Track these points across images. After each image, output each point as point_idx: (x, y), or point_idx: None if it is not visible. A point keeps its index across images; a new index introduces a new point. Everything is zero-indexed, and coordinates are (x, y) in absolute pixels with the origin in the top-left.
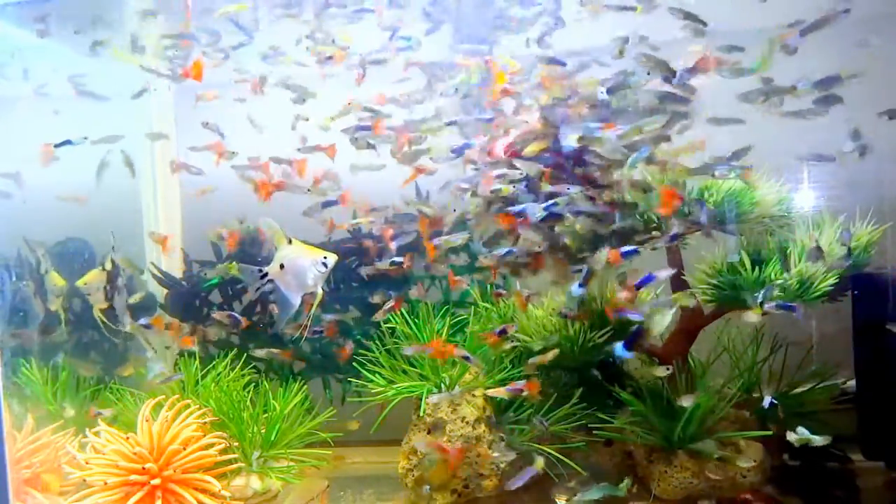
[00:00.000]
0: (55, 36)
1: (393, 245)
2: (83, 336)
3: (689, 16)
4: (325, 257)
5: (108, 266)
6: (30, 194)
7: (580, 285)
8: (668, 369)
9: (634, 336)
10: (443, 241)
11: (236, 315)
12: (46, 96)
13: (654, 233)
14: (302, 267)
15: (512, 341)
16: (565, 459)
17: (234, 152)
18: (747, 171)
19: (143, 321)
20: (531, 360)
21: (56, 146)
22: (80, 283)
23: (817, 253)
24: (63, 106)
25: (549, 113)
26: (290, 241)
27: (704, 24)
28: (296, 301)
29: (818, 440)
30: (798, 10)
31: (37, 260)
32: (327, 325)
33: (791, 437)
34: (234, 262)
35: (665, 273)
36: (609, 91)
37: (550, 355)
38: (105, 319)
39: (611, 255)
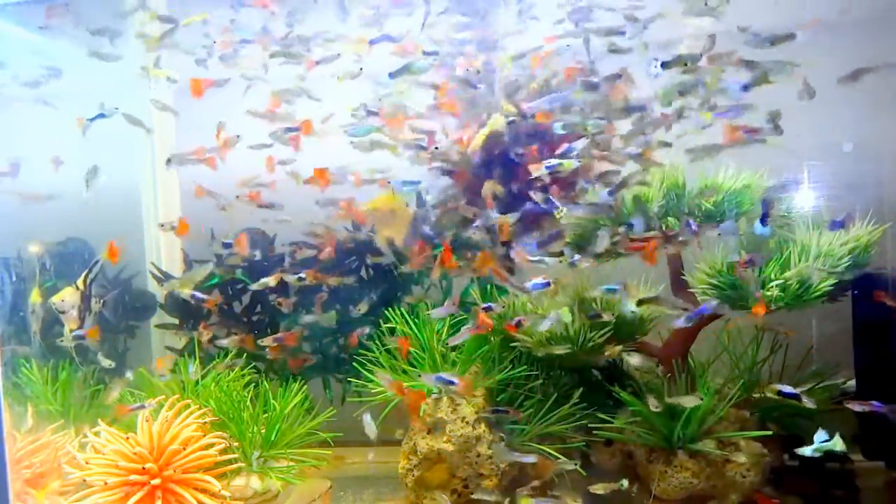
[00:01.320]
0: (52, 34)
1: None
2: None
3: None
4: None
5: (81, 286)
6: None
7: (762, 221)
8: (700, 399)
9: (767, 207)
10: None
11: (199, 295)
12: (44, 94)
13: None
14: None
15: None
16: (565, 459)
17: (237, 136)
18: (646, 150)
19: (77, 333)
20: (607, 353)
21: (90, 120)
22: (54, 299)
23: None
24: (62, 105)
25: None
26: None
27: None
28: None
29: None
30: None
31: (41, 263)
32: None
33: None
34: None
35: None
36: (664, 65)
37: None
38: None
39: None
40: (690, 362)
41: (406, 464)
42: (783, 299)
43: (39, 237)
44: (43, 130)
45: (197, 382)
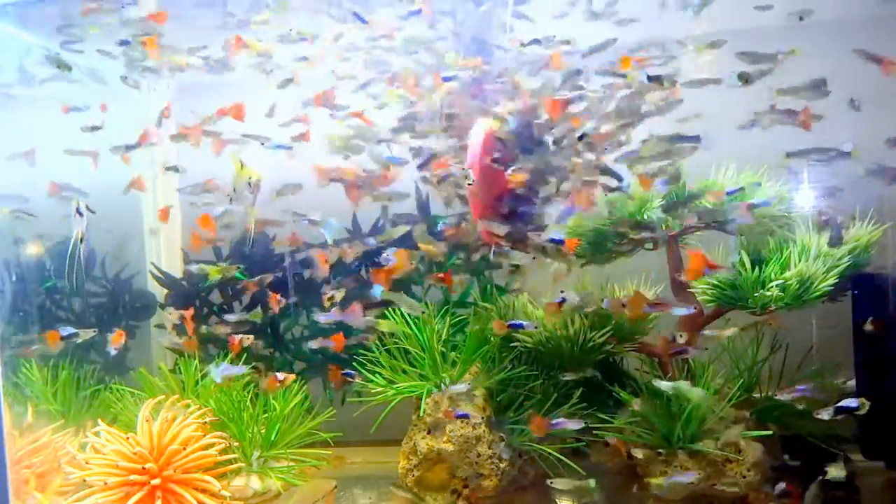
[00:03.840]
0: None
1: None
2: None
3: None
4: None
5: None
6: (29, 193)
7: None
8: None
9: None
10: None
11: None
12: (45, 94)
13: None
14: None
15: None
16: (565, 459)
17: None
18: None
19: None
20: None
21: None
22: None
23: None
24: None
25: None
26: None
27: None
28: None
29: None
30: None
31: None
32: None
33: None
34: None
35: None
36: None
37: (730, 331)
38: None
39: None
40: (690, 362)
41: (406, 464)
42: (783, 299)
43: (39, 237)
44: (42, 130)
45: (197, 382)
